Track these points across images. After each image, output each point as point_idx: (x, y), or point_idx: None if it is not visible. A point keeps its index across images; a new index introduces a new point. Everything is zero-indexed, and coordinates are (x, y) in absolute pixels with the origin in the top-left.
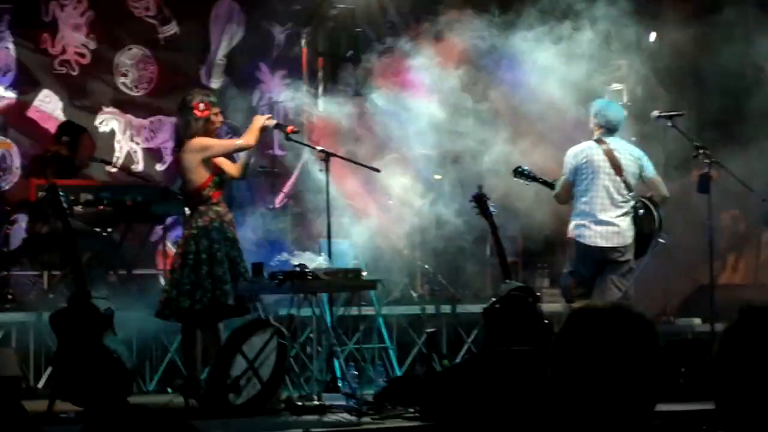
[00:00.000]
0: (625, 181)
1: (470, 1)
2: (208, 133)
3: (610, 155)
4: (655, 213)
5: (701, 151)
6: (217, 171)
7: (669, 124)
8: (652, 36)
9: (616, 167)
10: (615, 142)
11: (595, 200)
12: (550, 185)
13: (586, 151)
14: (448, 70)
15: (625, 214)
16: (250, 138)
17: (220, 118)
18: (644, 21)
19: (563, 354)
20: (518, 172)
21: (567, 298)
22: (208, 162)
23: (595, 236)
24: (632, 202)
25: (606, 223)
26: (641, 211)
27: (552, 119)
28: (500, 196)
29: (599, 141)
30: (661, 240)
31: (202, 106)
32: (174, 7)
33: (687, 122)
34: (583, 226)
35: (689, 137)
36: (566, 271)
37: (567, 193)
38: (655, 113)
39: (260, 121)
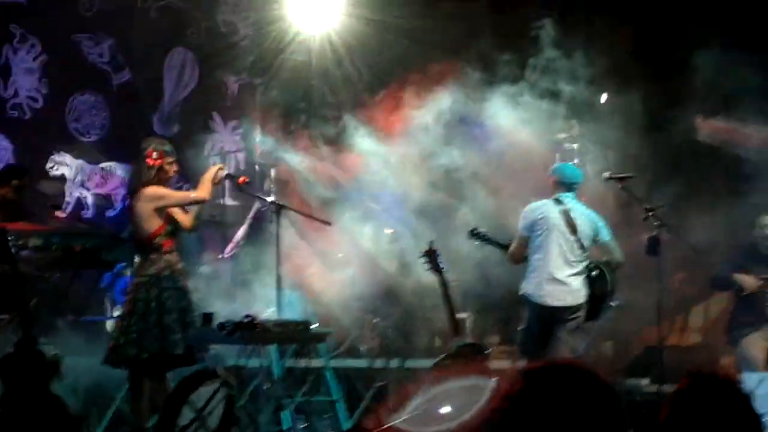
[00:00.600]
0: (579, 241)
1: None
2: (161, 182)
3: (566, 215)
4: (608, 276)
5: (651, 213)
6: (170, 220)
7: (619, 186)
8: (603, 97)
9: (571, 227)
10: (572, 203)
11: (549, 258)
12: (505, 247)
13: (542, 208)
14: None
15: (577, 273)
16: (203, 191)
17: (174, 168)
18: (597, 82)
19: (515, 417)
20: (474, 234)
21: (523, 355)
22: (161, 211)
23: (547, 295)
24: (585, 263)
25: (558, 282)
26: (594, 272)
27: (516, 177)
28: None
29: (557, 200)
30: (612, 304)
31: (155, 154)
32: (128, 54)
33: (638, 184)
34: (536, 284)
35: (639, 199)
36: (520, 328)
37: (522, 249)
38: (606, 174)
39: (212, 172)
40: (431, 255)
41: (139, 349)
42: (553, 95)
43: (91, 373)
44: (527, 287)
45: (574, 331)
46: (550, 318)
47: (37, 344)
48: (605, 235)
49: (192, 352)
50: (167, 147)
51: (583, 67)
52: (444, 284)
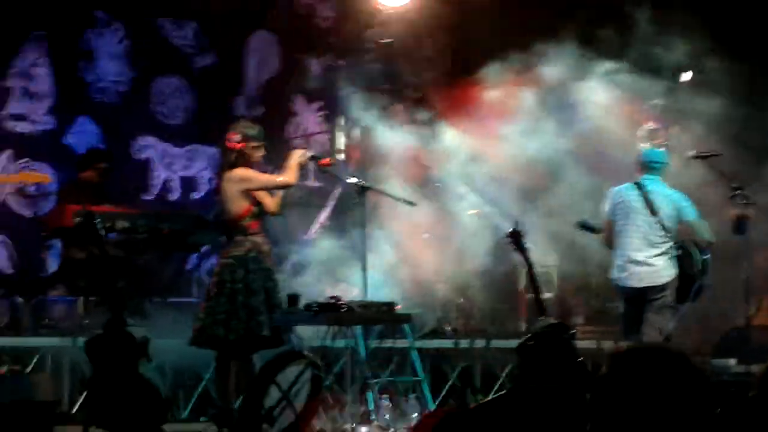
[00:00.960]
0: (660, 222)
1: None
2: (246, 165)
3: (645, 196)
4: (694, 255)
5: (738, 191)
6: (256, 202)
7: (705, 163)
8: (687, 75)
9: (651, 208)
10: (653, 185)
11: (630, 240)
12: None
13: (621, 192)
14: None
15: (662, 254)
16: (290, 175)
17: (259, 153)
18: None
19: (606, 400)
20: (582, 226)
21: (624, 337)
22: (247, 193)
23: (629, 277)
24: (670, 243)
25: (640, 263)
26: (679, 251)
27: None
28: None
29: (636, 183)
30: (705, 284)
31: (237, 137)
32: (211, 37)
33: (724, 162)
34: (620, 266)
35: (726, 177)
36: (619, 311)
37: (609, 233)
38: (691, 153)
39: (297, 156)
40: (516, 235)
41: (226, 330)
42: (652, 72)
43: (178, 354)
44: (613, 270)
45: (661, 310)
46: (637, 299)
47: (126, 326)
48: (689, 214)
49: (278, 333)
50: (253, 131)
51: (681, 44)
52: (529, 265)
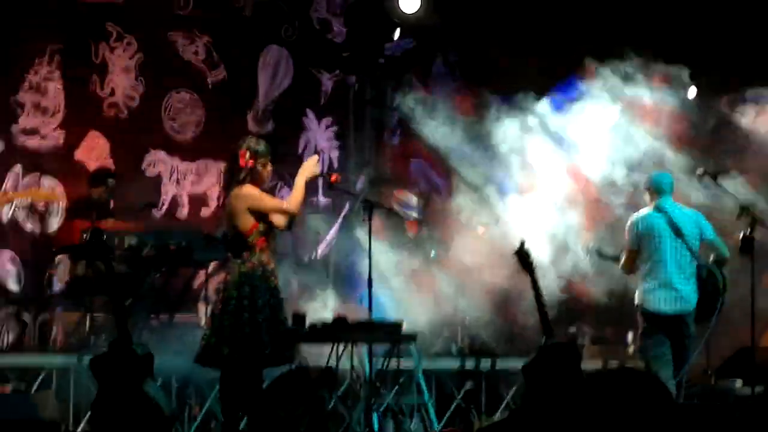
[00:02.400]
0: (686, 244)
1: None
2: (254, 183)
3: (669, 220)
4: (718, 275)
5: (745, 210)
6: (263, 219)
7: (713, 182)
8: (692, 92)
9: (676, 231)
10: (671, 207)
11: (660, 265)
12: (617, 259)
13: (646, 218)
14: None
15: (689, 278)
16: (295, 203)
17: (268, 169)
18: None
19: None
20: (598, 254)
21: (643, 360)
22: (255, 210)
23: (661, 302)
24: (695, 264)
25: (671, 287)
26: (705, 273)
27: None
28: None
29: (657, 208)
30: (724, 303)
31: (248, 155)
32: (223, 52)
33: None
34: (649, 291)
35: (734, 196)
36: (639, 334)
37: (632, 262)
38: (700, 170)
39: (306, 172)
40: (522, 254)
41: (231, 348)
42: None
43: (184, 371)
44: (641, 295)
45: (687, 337)
46: (666, 323)
47: (131, 343)
48: (710, 232)
49: (283, 351)
50: (261, 147)
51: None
52: (535, 284)
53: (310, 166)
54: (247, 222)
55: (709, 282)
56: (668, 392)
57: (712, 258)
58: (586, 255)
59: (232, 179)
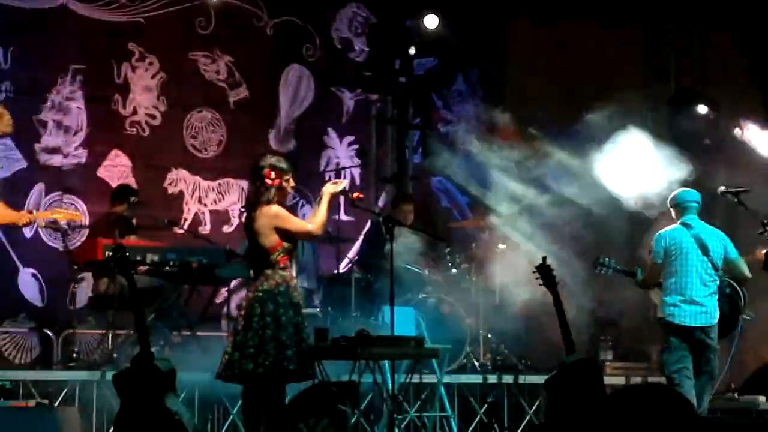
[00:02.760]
0: (711, 261)
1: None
2: (280, 200)
3: (697, 237)
4: (741, 292)
5: None
6: (287, 237)
7: (735, 200)
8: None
9: (703, 248)
10: (698, 224)
11: (685, 280)
12: (631, 274)
13: (672, 234)
14: None
15: (712, 293)
16: (318, 225)
17: (291, 184)
18: None
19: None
20: (599, 264)
21: (666, 375)
22: (279, 228)
23: (685, 316)
24: (718, 282)
25: (696, 303)
26: (728, 290)
27: None
28: None
29: (684, 224)
30: (747, 317)
31: (273, 174)
32: (244, 71)
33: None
34: (674, 306)
35: (755, 213)
36: (661, 349)
37: (656, 277)
38: (722, 188)
39: (329, 192)
40: (545, 270)
41: (255, 364)
42: None
43: (207, 387)
44: (666, 310)
45: (711, 352)
46: (691, 338)
47: (153, 359)
48: (733, 252)
49: (306, 367)
50: (283, 164)
51: None
52: (557, 300)
53: (334, 188)
54: (272, 240)
55: (731, 299)
56: (691, 407)
57: (730, 276)
58: (597, 270)
59: (260, 198)
